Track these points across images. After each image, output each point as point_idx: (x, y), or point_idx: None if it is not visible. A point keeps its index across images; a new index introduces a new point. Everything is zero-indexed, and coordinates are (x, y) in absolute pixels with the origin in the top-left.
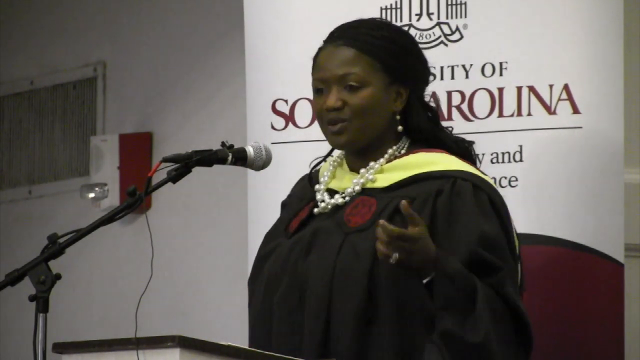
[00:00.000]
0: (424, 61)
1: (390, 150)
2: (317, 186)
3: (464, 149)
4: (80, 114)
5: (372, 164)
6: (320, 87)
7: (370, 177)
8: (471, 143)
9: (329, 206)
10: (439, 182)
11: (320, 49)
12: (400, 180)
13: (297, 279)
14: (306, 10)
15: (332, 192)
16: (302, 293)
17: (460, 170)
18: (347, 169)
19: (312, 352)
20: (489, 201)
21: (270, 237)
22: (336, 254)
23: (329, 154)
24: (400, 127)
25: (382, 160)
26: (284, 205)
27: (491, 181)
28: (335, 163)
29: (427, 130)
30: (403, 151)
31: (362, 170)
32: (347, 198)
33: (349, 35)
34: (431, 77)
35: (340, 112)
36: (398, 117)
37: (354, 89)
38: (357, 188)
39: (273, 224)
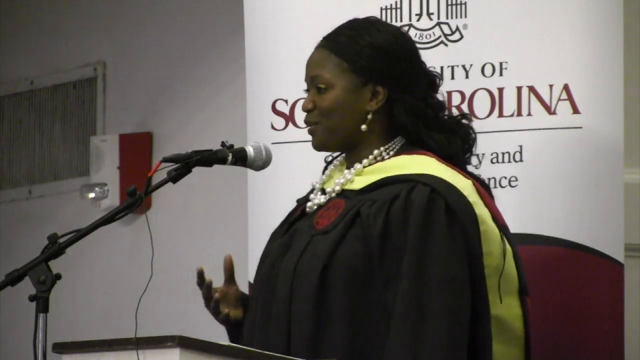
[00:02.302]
0: (408, 62)
1: (376, 151)
2: (313, 183)
3: (449, 152)
4: (80, 114)
5: (356, 165)
6: (306, 90)
7: (349, 177)
8: (464, 144)
9: (314, 206)
10: (400, 186)
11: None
12: (372, 183)
13: (272, 280)
14: (306, 11)
15: (325, 192)
16: (274, 294)
17: (425, 174)
18: (344, 169)
19: (278, 352)
20: (444, 209)
21: (274, 236)
22: (299, 256)
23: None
24: (364, 127)
25: (365, 161)
26: (298, 202)
27: (466, 185)
28: (338, 162)
29: (409, 129)
30: (392, 152)
31: (346, 172)
32: (327, 197)
33: (330, 37)
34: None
35: (311, 114)
36: (370, 116)
37: (321, 90)
38: (337, 188)
39: (280, 222)
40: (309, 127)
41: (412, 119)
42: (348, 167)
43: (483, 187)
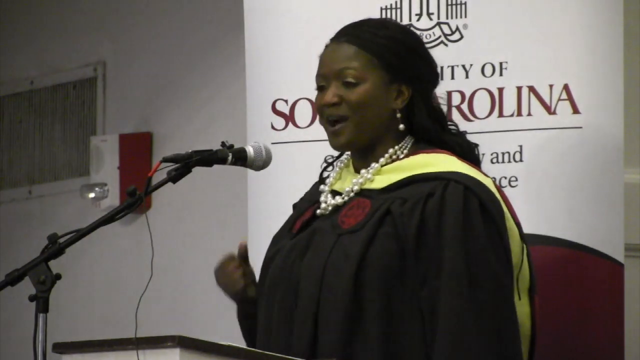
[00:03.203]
0: (429, 61)
1: (391, 150)
2: (321, 187)
3: (467, 150)
4: (80, 114)
5: (373, 164)
6: (321, 84)
7: (369, 176)
8: (475, 145)
9: (330, 207)
10: (432, 184)
11: (325, 47)
12: (396, 182)
13: (293, 280)
14: (306, 11)
15: (335, 194)
16: (296, 294)
17: (455, 172)
18: (352, 170)
19: (302, 353)
20: (479, 206)
21: (277, 239)
22: (327, 256)
23: (341, 155)
24: (402, 126)
25: (382, 160)
26: (295, 207)
27: (489, 183)
28: (342, 164)
29: (430, 130)
30: (405, 151)
31: (363, 171)
32: (345, 198)
33: (351, 32)
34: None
35: (338, 108)
36: (399, 115)
37: (351, 85)
38: (356, 188)
39: (281, 227)
40: (333, 128)
41: (432, 120)
42: (359, 167)
43: (498, 187)
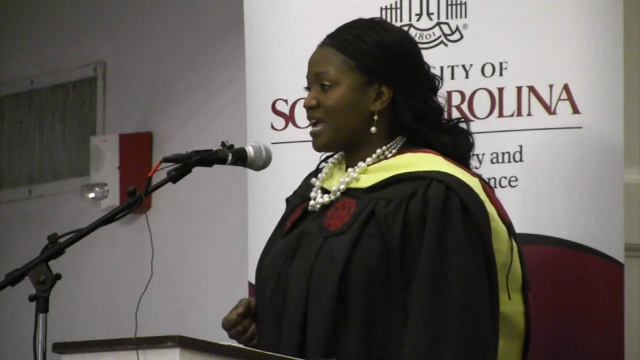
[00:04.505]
0: (414, 63)
1: (379, 150)
2: (312, 179)
3: (452, 150)
4: (80, 114)
5: (360, 163)
6: (307, 86)
7: (355, 175)
8: (470, 145)
9: (318, 205)
10: (415, 183)
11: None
12: (381, 181)
13: (282, 282)
14: (306, 11)
15: (325, 191)
16: (285, 297)
17: (438, 171)
18: (343, 167)
19: (289, 353)
20: (460, 206)
21: (272, 237)
22: (314, 259)
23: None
24: (373, 129)
25: (369, 159)
26: (287, 201)
27: (474, 183)
28: (336, 161)
29: (414, 130)
30: (394, 151)
31: (349, 170)
32: (332, 197)
33: (335, 34)
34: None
35: (315, 111)
36: (376, 117)
37: (326, 88)
38: (342, 187)
39: (277, 224)
40: (312, 129)
41: (416, 121)
42: (350, 165)
43: (487, 185)
